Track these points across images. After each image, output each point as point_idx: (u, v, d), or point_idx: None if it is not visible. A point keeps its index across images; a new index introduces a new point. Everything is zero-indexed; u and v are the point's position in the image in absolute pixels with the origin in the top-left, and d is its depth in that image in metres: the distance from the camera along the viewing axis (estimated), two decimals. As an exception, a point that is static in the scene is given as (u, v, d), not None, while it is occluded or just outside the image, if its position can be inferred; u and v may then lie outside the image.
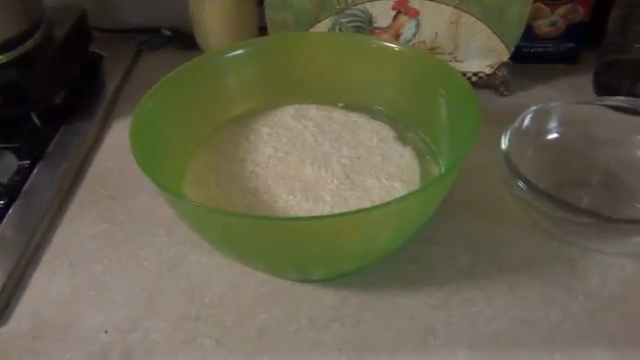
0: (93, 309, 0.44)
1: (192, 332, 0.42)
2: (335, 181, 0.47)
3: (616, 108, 0.53)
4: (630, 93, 0.61)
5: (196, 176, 0.48)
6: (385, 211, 0.36)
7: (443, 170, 0.47)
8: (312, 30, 0.60)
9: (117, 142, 0.61)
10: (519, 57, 0.64)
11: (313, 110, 0.54)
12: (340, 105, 0.55)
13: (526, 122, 0.51)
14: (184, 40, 0.76)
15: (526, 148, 0.51)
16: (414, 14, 0.59)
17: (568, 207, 0.43)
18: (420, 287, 0.44)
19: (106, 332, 0.43)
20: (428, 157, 0.49)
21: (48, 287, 0.46)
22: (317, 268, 0.42)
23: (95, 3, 0.75)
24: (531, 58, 0.68)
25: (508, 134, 0.49)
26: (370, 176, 0.47)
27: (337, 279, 0.45)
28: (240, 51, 0.53)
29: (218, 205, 0.45)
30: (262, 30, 0.67)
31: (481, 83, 0.64)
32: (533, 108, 0.52)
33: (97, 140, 0.61)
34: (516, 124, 0.50)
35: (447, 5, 0.58)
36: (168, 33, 0.77)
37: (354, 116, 0.54)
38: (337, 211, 0.43)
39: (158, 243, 0.49)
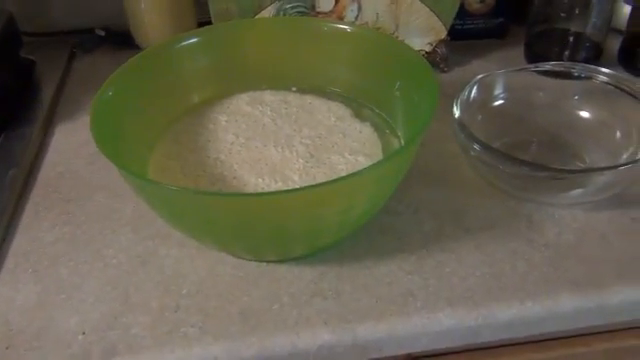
0: (66, 312, 0.43)
1: (174, 323, 0.42)
2: (301, 160, 0.47)
3: (551, 73, 0.56)
4: (559, 59, 0.65)
5: (160, 166, 0.47)
6: (361, 179, 0.38)
7: (403, 142, 0.49)
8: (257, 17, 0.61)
9: (64, 145, 0.59)
10: (454, 34, 0.67)
11: (267, 95, 0.55)
12: (294, 89, 0.56)
13: (473, 92, 0.54)
14: (119, 39, 0.74)
15: (475, 115, 0.53)
16: (355, -4, 0.61)
17: (523, 163, 0.46)
18: (393, 255, 0.46)
19: (84, 333, 0.41)
20: (387, 131, 0.51)
21: (14, 295, 0.44)
22: (298, 243, 0.42)
23: (23, 7, 0.72)
24: (465, 35, 0.71)
25: (458, 103, 0.51)
26: (334, 153, 0.48)
27: (311, 257, 0.45)
28: (191, 40, 0.52)
29: (186, 194, 0.44)
30: (201, 25, 0.66)
31: (422, 61, 0.66)
32: (477, 78, 0.54)
33: (42, 145, 0.59)
34: (464, 94, 0.53)
35: (386, -14, 0.60)
36: (102, 33, 0.75)
37: (309, 98, 0.54)
38: (307, 188, 0.44)
39: (124, 241, 0.48)
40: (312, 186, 0.38)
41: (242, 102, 0.54)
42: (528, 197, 0.50)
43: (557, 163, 0.52)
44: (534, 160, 0.52)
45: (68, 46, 0.74)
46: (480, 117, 0.53)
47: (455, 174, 0.53)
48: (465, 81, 0.54)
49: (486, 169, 0.50)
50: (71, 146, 0.59)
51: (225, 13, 0.60)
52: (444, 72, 0.67)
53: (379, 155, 0.48)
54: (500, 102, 0.55)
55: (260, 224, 0.38)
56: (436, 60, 0.66)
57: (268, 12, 0.60)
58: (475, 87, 0.54)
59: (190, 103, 0.54)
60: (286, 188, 0.45)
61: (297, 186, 0.45)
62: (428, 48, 0.66)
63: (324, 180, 0.45)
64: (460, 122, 0.50)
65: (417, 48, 0.65)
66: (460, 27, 0.71)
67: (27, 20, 0.72)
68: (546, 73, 0.56)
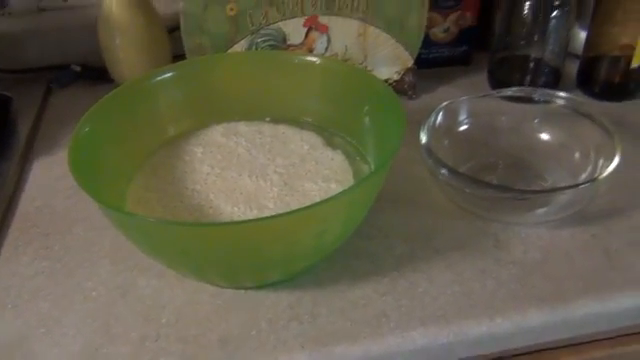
0: (47, 346, 0.43)
1: (155, 352, 0.43)
2: (275, 189, 0.49)
3: (513, 98, 0.59)
4: (521, 85, 0.68)
5: (138, 199, 0.49)
6: (333, 205, 0.39)
7: (373, 168, 0.51)
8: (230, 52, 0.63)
9: (42, 180, 0.60)
10: (420, 63, 0.70)
11: (242, 126, 0.57)
12: (267, 119, 0.58)
13: (439, 118, 0.56)
14: (95, 74, 0.75)
15: (442, 140, 0.55)
16: (324, 30, 0.63)
17: (488, 186, 0.48)
18: (367, 278, 0.47)
19: (65, 366, 0.42)
20: (357, 158, 0.53)
21: (-6, 331, 0.45)
22: (274, 269, 0.44)
23: (-2, 44, 0.73)
24: (431, 63, 0.74)
25: (425, 129, 0.53)
26: (307, 180, 0.50)
27: (288, 282, 0.47)
28: (166, 75, 0.54)
29: (165, 224, 0.46)
30: (176, 58, 0.68)
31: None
32: (443, 104, 0.57)
33: (20, 181, 0.60)
34: (430, 120, 0.55)
35: (354, 19, 0.63)
36: (77, 69, 0.76)
37: (282, 128, 0.56)
38: (282, 216, 0.46)
39: (103, 273, 0.49)
40: (286, 213, 0.39)
41: (217, 133, 0.56)
42: (495, 217, 0.52)
43: (521, 184, 0.55)
44: (499, 182, 0.54)
45: (44, 82, 0.76)
46: (447, 142, 0.56)
47: (424, 197, 0.55)
48: (432, 107, 0.57)
49: (454, 192, 0.52)
50: (49, 181, 0.60)
51: (199, 48, 0.62)
52: (412, 99, 0.70)
53: (350, 181, 0.50)
54: (465, 127, 0.58)
55: (236, 252, 0.40)
56: (404, 88, 0.69)
57: (240, 46, 0.62)
58: (440, 113, 0.56)
59: (166, 136, 0.55)
60: (261, 216, 0.46)
61: (272, 213, 0.46)
62: (396, 77, 0.68)
63: (298, 207, 0.47)
64: (427, 147, 0.52)
65: (385, 77, 0.68)
66: (426, 56, 0.73)
67: (3, 57, 0.73)
68: (508, 98, 0.59)
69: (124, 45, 0.69)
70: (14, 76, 0.75)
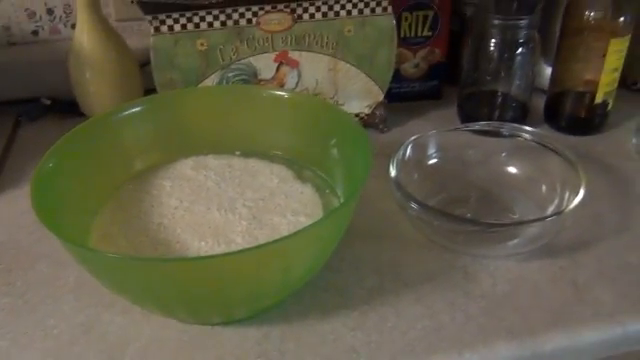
0: (4, 387, 0.42)
1: (117, 392, 0.41)
2: (243, 223, 0.48)
3: (481, 132, 0.60)
4: (489, 119, 0.69)
5: (103, 233, 0.48)
6: (301, 238, 0.39)
7: (342, 200, 0.51)
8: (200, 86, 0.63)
9: (6, 214, 0.59)
10: (391, 97, 0.71)
11: (211, 160, 0.56)
12: (237, 153, 0.58)
13: (408, 151, 0.57)
14: (65, 107, 0.75)
15: (412, 174, 0.56)
16: (295, 65, 0.64)
17: (456, 219, 0.49)
18: (337, 312, 0.47)
19: (22, 408, 0.40)
20: (327, 191, 0.53)
21: (-51, 372, 0.43)
22: (241, 306, 0.43)
23: (-34, 77, 0.72)
24: (402, 97, 0.75)
25: (395, 163, 0.54)
26: (276, 214, 0.49)
27: (256, 317, 0.46)
28: (135, 109, 0.54)
29: (129, 260, 0.45)
30: (148, 92, 0.68)
31: (362, 123, 0.69)
32: (412, 138, 0.57)
33: (-13, 209, 0.59)
34: (400, 154, 0.55)
35: (324, 55, 0.64)
36: (47, 102, 0.76)
37: (252, 162, 0.56)
38: (250, 250, 0.45)
39: (66, 309, 0.48)
40: (253, 247, 0.39)
41: (186, 167, 0.55)
42: (464, 250, 0.52)
43: (490, 217, 0.55)
44: (469, 215, 0.55)
45: (13, 115, 0.75)
46: (416, 175, 0.56)
47: (394, 230, 0.55)
48: (403, 141, 0.57)
49: (423, 225, 0.52)
50: (13, 215, 0.59)
51: (169, 83, 0.62)
52: (383, 132, 0.70)
53: (320, 214, 0.50)
54: (434, 161, 0.59)
55: (201, 288, 0.39)
56: (375, 122, 0.70)
57: (211, 80, 0.63)
58: (410, 147, 0.57)
59: (134, 170, 0.55)
60: (228, 250, 0.45)
61: (240, 248, 0.46)
62: (367, 110, 0.69)
63: (266, 241, 0.46)
64: (396, 181, 0.52)
65: (356, 111, 0.68)
66: (397, 90, 0.75)
67: (-29, 91, 0.73)
68: (476, 132, 0.60)
69: (95, 79, 0.69)
70: (-18, 109, 0.74)
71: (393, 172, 0.53)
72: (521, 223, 0.52)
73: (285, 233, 0.47)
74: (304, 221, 0.48)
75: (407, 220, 0.54)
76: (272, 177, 0.54)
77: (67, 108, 0.74)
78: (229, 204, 0.51)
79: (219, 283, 0.39)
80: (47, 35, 0.77)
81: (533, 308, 0.47)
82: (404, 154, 0.56)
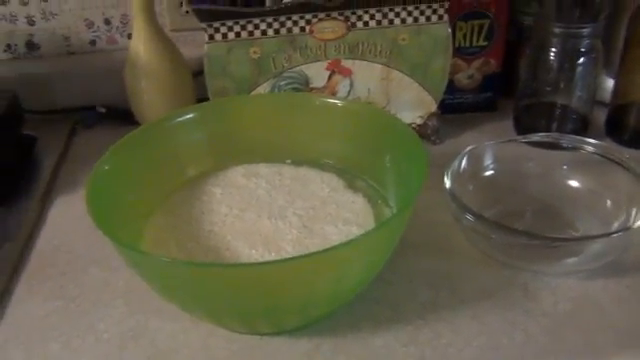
0: (54, 389, 0.42)
1: (165, 399, 0.41)
2: (294, 231, 0.48)
3: (539, 144, 0.58)
4: (547, 131, 0.66)
5: (154, 239, 0.48)
6: (353, 248, 0.38)
7: (395, 212, 0.49)
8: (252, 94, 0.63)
9: (61, 220, 0.60)
10: (444, 108, 0.70)
11: (262, 168, 0.56)
12: (288, 162, 0.57)
13: (463, 162, 0.55)
14: (120, 116, 0.76)
15: (466, 185, 0.54)
16: (347, 73, 0.63)
17: (515, 232, 0.46)
18: (389, 326, 0.45)
19: (72, 411, 0.40)
20: (379, 202, 0.51)
21: (2, 372, 0.43)
22: (292, 315, 0.42)
23: (27, 86, 0.74)
24: (455, 109, 0.73)
25: (449, 174, 0.52)
26: (327, 223, 0.48)
27: (306, 328, 0.45)
28: (188, 115, 0.54)
29: (182, 265, 0.44)
30: (199, 101, 0.68)
31: (414, 133, 0.68)
32: (467, 149, 0.55)
33: (39, 219, 0.60)
34: (455, 165, 0.54)
35: (377, 63, 0.63)
36: (102, 110, 0.77)
37: (303, 170, 0.55)
38: (301, 259, 0.44)
39: (116, 314, 0.48)
40: (304, 255, 0.38)
41: (237, 174, 0.55)
42: (523, 266, 0.50)
43: (550, 232, 0.53)
44: (527, 229, 0.52)
45: (70, 122, 0.76)
46: (471, 187, 0.54)
47: (449, 243, 0.53)
48: (456, 152, 0.55)
49: (479, 238, 0.50)
50: (68, 220, 0.59)
51: (222, 91, 0.62)
52: (435, 144, 0.69)
53: (371, 225, 0.48)
54: (490, 172, 0.56)
55: (252, 295, 0.38)
56: (427, 133, 0.68)
57: (263, 89, 0.63)
58: (465, 158, 0.55)
59: (186, 176, 0.55)
60: (279, 258, 0.45)
61: (290, 256, 0.45)
62: (419, 121, 0.68)
63: (317, 250, 0.45)
64: (451, 192, 0.50)
65: (408, 121, 0.67)
66: (450, 101, 0.73)
67: (31, 98, 0.74)
68: (535, 144, 0.58)
69: (150, 88, 0.69)
70: (41, 117, 0.76)
71: (448, 183, 0.51)
72: (585, 239, 0.49)
73: (336, 243, 0.46)
74: (355, 231, 0.47)
75: (462, 233, 0.52)
76: (323, 186, 0.53)
77: (122, 116, 0.75)
78: (279, 212, 0.50)
79: (270, 290, 0.38)
80: (104, 45, 0.78)
81: (597, 329, 0.45)
82: (459, 165, 0.54)
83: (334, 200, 0.51)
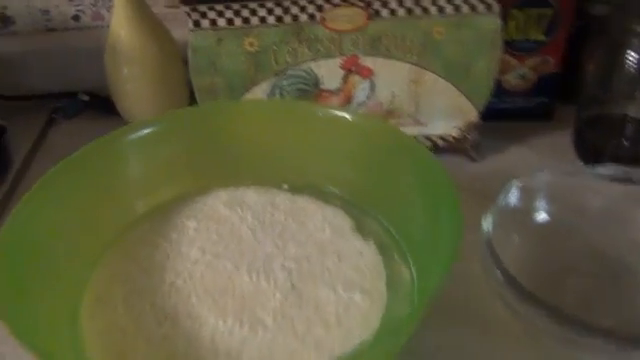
0: None
1: None
2: (278, 295, 0.36)
3: (611, 178, 0.45)
4: (616, 153, 0.53)
5: (99, 293, 0.38)
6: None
7: (415, 275, 0.37)
8: (247, 96, 0.51)
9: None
10: (487, 114, 0.56)
11: (252, 194, 0.45)
12: (284, 187, 0.46)
13: (510, 200, 0.42)
14: (104, 105, 0.66)
15: (511, 234, 0.42)
16: (367, 73, 0.51)
17: (567, 320, 0.34)
18: None
19: None
20: (395, 256, 0.39)
21: None
22: None
23: (-3, 68, 0.65)
24: (500, 115, 0.60)
25: (489, 217, 0.40)
26: (323, 285, 0.37)
27: None
28: (156, 127, 0.43)
29: (124, 337, 0.34)
30: (194, 94, 0.57)
31: (448, 147, 0.55)
32: (516, 183, 0.43)
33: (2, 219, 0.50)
34: (499, 203, 0.42)
35: (405, 62, 0.50)
36: (85, 98, 0.67)
37: (301, 201, 0.44)
38: (280, 339, 0.33)
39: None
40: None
41: (219, 202, 0.44)
42: (577, 356, 0.37)
43: (621, 303, 0.40)
44: (588, 296, 0.40)
45: (46, 111, 0.67)
46: (517, 238, 0.42)
47: (483, 309, 0.41)
48: (500, 174, 0.45)
49: (522, 314, 0.38)
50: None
51: (210, 89, 0.51)
52: (475, 161, 0.56)
53: (381, 292, 0.37)
54: (544, 216, 0.44)
55: None
56: (465, 147, 0.56)
57: (262, 89, 0.51)
58: (512, 194, 0.43)
59: (155, 202, 0.44)
60: (253, 336, 0.34)
61: (269, 335, 0.34)
62: (455, 133, 0.55)
63: (305, 327, 0.34)
64: (489, 242, 0.38)
65: (442, 133, 0.55)
66: (495, 106, 0.59)
67: (2, 82, 0.65)
68: (605, 177, 0.45)
69: (133, 77, 0.58)
70: (13, 103, 0.66)
71: (487, 228, 0.39)
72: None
73: (331, 318, 0.35)
74: (359, 301, 0.36)
75: (498, 295, 0.40)
76: (324, 226, 0.42)
77: (107, 106, 0.65)
78: (264, 264, 0.39)
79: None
80: (89, 21, 0.69)
81: None
82: (504, 204, 0.42)
83: (336, 248, 0.40)
